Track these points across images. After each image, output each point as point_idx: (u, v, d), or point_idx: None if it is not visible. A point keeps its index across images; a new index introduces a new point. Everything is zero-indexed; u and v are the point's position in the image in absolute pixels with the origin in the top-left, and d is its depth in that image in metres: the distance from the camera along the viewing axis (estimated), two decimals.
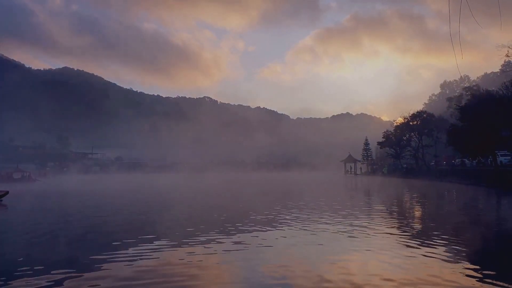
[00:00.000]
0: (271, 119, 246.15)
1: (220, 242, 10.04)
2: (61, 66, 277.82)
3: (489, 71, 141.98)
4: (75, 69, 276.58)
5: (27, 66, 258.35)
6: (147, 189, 36.18)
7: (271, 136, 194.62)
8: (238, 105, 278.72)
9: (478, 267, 7.54)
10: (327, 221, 13.60)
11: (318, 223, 13.19)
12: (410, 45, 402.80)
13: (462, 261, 7.96)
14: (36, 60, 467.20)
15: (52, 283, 6.62)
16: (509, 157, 41.45)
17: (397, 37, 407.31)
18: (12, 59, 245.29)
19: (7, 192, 24.96)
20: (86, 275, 7.09)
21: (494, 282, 6.47)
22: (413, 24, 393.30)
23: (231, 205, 20.38)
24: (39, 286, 6.48)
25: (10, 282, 6.66)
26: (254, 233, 11.31)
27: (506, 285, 6.33)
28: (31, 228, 13.11)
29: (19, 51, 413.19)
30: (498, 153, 40.63)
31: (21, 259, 8.55)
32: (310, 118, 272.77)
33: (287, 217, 14.80)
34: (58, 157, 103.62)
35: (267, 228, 12.26)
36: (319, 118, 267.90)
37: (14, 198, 25.08)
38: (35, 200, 25.34)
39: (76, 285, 6.51)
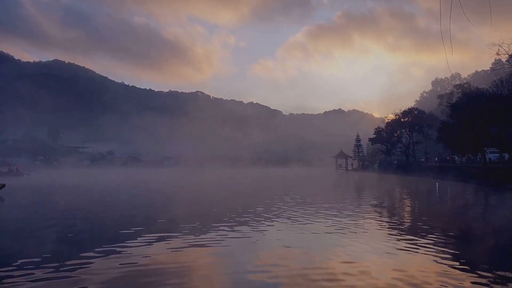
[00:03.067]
0: (264, 115, 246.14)
1: (215, 238, 10.05)
2: (50, 59, 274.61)
3: (479, 69, 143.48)
4: (66, 62, 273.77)
5: (16, 58, 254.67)
6: (142, 184, 36.05)
7: (265, 131, 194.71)
8: (231, 100, 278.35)
9: (468, 260, 7.67)
10: (321, 216, 13.68)
11: (312, 219, 13.26)
12: (401, 43, 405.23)
13: (453, 256, 8.07)
14: (25, 53, 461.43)
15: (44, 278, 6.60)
16: (498, 154, 42.00)
17: (388, 35, 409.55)
18: (1, 51, 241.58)
19: (3, 185, 24.34)
20: (80, 270, 7.07)
21: (484, 274, 6.59)
22: (404, 22, 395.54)
23: (229, 201, 20.40)
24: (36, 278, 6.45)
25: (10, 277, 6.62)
26: (249, 229, 11.31)
27: (496, 277, 6.44)
28: (15, 223, 13.03)
29: (7, 43, 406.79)
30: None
31: (15, 253, 8.51)
32: (303, 114, 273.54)
33: (282, 212, 14.84)
34: (48, 151, 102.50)
35: (263, 224, 12.30)
36: (312, 114, 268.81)
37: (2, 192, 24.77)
38: (24, 194, 25.11)
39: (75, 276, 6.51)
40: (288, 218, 13.23)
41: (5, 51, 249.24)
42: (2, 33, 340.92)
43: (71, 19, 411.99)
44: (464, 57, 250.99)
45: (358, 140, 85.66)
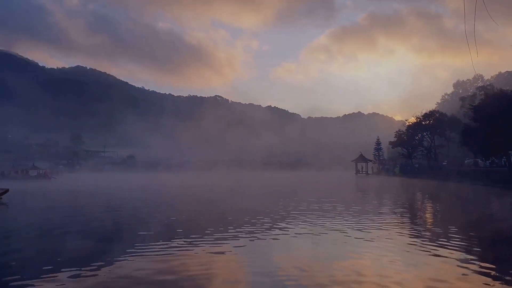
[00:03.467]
0: (281, 118, 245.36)
1: (227, 242, 10.17)
2: (74, 65, 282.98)
3: (503, 70, 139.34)
4: (88, 67, 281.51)
5: (41, 64, 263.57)
6: (165, 188, 36.70)
7: (281, 135, 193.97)
8: (249, 104, 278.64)
9: (490, 269, 7.57)
10: (340, 221, 13.66)
11: (331, 223, 13.26)
12: (425, 44, 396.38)
13: (475, 264, 7.97)
14: (52, 59, 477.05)
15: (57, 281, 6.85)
16: None
17: (412, 36, 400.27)
18: (27, 58, 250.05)
19: (7, 190, 23.39)
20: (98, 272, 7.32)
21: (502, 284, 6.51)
22: (430, 23, 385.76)
23: (250, 203, 20.55)
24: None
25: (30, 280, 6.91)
26: (267, 233, 11.42)
27: None
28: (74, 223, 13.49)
29: (34, 50, 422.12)
30: None
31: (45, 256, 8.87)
32: (321, 117, 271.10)
33: (304, 216, 14.87)
34: (70, 155, 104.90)
35: (281, 227, 12.38)
36: (331, 118, 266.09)
37: (43, 195, 25.35)
38: (65, 198, 25.77)
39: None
40: (312, 224, 13.25)
41: (30, 57, 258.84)
42: (29, 41, 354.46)
43: (97, 25, 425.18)
44: (488, 57, 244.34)
45: (378, 143, 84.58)
